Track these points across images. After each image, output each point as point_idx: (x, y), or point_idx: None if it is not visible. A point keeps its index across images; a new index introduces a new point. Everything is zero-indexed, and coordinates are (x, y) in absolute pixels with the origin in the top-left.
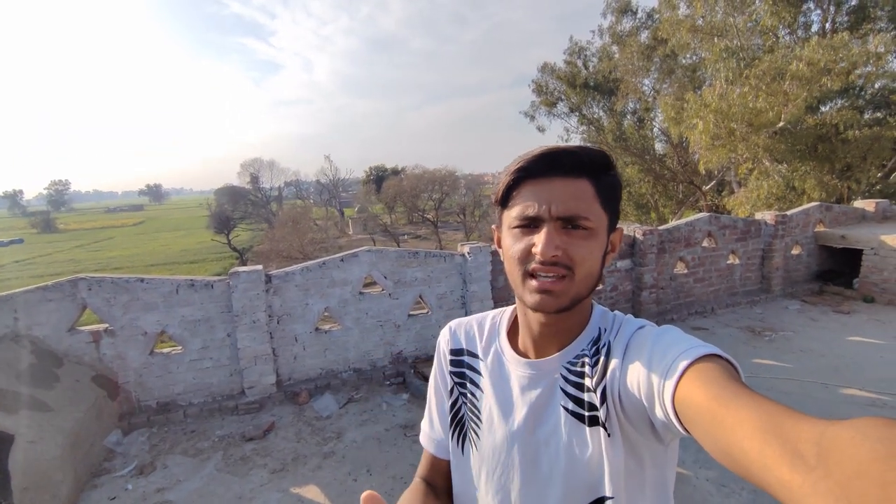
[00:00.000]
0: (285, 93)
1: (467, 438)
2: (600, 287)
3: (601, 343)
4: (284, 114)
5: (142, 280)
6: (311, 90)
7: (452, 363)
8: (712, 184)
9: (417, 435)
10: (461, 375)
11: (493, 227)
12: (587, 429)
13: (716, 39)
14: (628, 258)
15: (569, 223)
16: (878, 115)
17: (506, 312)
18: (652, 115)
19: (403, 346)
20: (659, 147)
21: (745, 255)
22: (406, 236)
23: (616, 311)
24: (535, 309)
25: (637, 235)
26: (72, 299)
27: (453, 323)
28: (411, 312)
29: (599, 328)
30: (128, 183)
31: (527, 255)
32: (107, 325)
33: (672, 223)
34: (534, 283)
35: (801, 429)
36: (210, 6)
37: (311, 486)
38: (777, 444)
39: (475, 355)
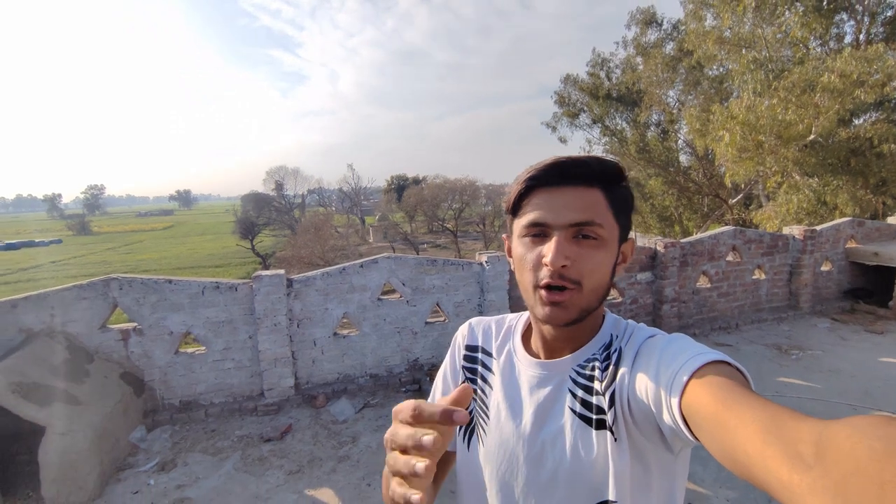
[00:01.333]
0: (311, 103)
1: (475, 434)
2: (620, 300)
3: (612, 349)
4: (309, 124)
5: (170, 281)
6: (335, 101)
7: (466, 358)
8: (739, 197)
9: None
10: (473, 371)
11: (504, 236)
12: (594, 432)
13: (743, 51)
14: (649, 270)
15: (579, 233)
16: None
17: (523, 315)
18: (676, 126)
19: (420, 354)
20: (683, 159)
21: (772, 271)
22: (426, 245)
23: (629, 320)
24: (545, 322)
25: (658, 248)
26: (104, 298)
27: (474, 320)
28: (429, 320)
29: (611, 334)
30: (159, 188)
31: (537, 265)
32: (135, 323)
33: (695, 236)
34: (544, 294)
35: (800, 429)
36: (241, 18)
37: (326, 488)
38: (777, 444)
39: (489, 353)
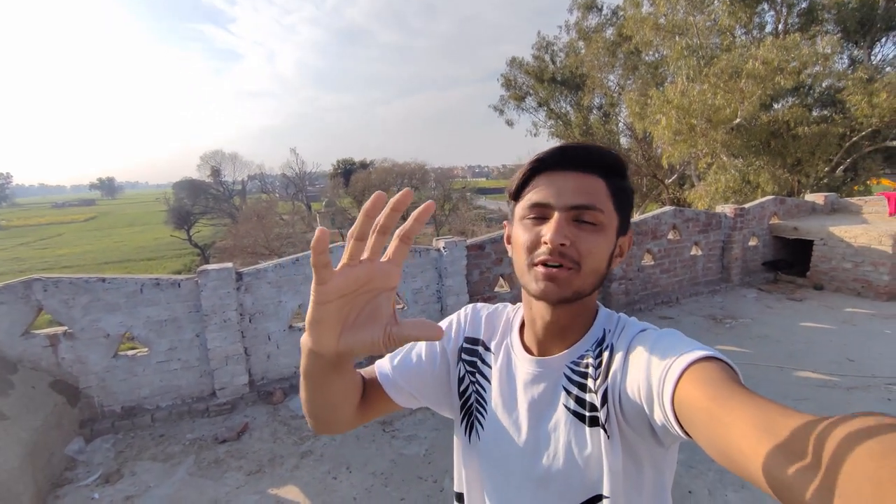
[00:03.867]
0: (247, 85)
1: (474, 428)
2: None
3: (605, 345)
4: (247, 106)
5: (103, 280)
6: (274, 82)
7: (466, 350)
8: (674, 177)
9: (396, 430)
10: (472, 364)
11: (504, 223)
12: (587, 429)
13: (677, 38)
14: None
15: (579, 216)
16: (825, 112)
17: (521, 309)
18: (617, 110)
19: None
20: (624, 141)
21: (707, 247)
22: None
23: (621, 314)
24: (539, 297)
25: None
26: (25, 301)
27: (478, 307)
28: None
29: (604, 329)
30: (78, 177)
31: (535, 245)
32: (65, 327)
33: (640, 216)
34: (540, 270)
35: (795, 426)
36: None
37: (290, 486)
38: (773, 443)
39: (488, 349)
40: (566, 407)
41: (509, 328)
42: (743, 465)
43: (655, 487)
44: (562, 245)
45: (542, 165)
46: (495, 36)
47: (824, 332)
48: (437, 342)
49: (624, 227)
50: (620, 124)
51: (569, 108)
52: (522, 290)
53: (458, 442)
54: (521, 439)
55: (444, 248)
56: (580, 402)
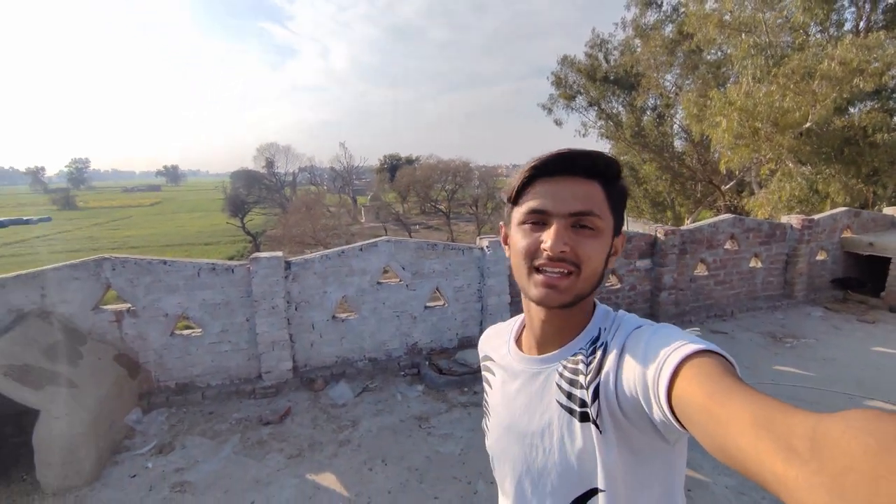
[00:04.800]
0: (302, 79)
1: (485, 430)
2: (619, 286)
3: (599, 342)
4: (301, 100)
5: (164, 262)
6: (327, 77)
7: (484, 368)
8: (731, 184)
9: (433, 427)
10: (485, 378)
11: (501, 224)
12: (578, 424)
13: (743, 35)
14: (648, 258)
15: (577, 222)
16: None
17: (520, 317)
18: (673, 111)
19: (419, 338)
20: (678, 144)
21: (769, 259)
22: (418, 226)
23: (619, 311)
24: (539, 303)
25: (658, 235)
26: (96, 278)
27: (489, 329)
28: (428, 304)
29: (600, 328)
30: (146, 163)
31: (535, 251)
32: (129, 305)
33: (695, 224)
34: (540, 277)
35: (793, 422)
36: None
37: (327, 473)
38: (770, 438)
39: (491, 358)
40: (559, 402)
41: (508, 335)
42: (741, 462)
43: (661, 484)
44: (562, 252)
45: (541, 171)
46: (544, 31)
47: None
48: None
49: (618, 227)
50: (675, 126)
51: (621, 108)
52: (522, 292)
53: None
54: (520, 435)
55: (487, 247)
56: (571, 397)
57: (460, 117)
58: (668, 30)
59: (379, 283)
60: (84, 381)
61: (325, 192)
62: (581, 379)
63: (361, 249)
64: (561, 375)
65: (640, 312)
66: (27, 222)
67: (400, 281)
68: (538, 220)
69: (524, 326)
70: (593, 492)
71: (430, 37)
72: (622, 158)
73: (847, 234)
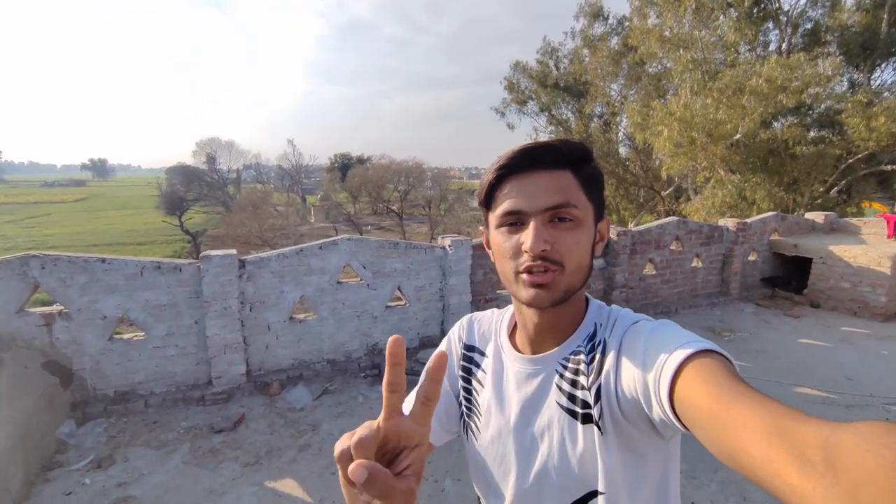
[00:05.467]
0: (246, 72)
1: (469, 430)
2: None
3: (597, 340)
4: (244, 95)
5: (103, 260)
6: (274, 70)
7: (464, 357)
8: (671, 189)
9: None
10: (468, 371)
11: (481, 228)
12: (580, 426)
13: (682, 51)
14: (601, 257)
15: (555, 216)
16: (823, 133)
17: (510, 310)
18: (618, 119)
19: (380, 338)
20: (623, 151)
21: (708, 260)
22: (370, 227)
23: (613, 305)
24: (530, 304)
25: (611, 236)
26: (21, 278)
27: (474, 316)
28: (389, 304)
29: (595, 323)
30: (69, 156)
31: (517, 253)
32: (61, 307)
33: (644, 225)
34: (526, 278)
35: (805, 432)
36: None
37: (288, 479)
38: (783, 449)
39: (482, 353)
40: (559, 404)
41: (498, 330)
42: (751, 470)
43: (659, 480)
44: (543, 250)
45: (508, 170)
46: (498, 38)
47: (821, 349)
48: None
49: (599, 212)
50: (620, 134)
51: (570, 114)
52: (511, 296)
53: (466, 446)
54: (517, 438)
55: (449, 246)
56: (572, 398)
57: (414, 119)
58: (614, 42)
59: (339, 282)
60: (7, 392)
61: (272, 190)
62: (582, 380)
63: (321, 248)
64: (561, 376)
65: None
66: None
67: (360, 280)
68: (515, 220)
69: (512, 320)
70: (592, 494)
71: (383, 34)
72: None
73: (775, 237)
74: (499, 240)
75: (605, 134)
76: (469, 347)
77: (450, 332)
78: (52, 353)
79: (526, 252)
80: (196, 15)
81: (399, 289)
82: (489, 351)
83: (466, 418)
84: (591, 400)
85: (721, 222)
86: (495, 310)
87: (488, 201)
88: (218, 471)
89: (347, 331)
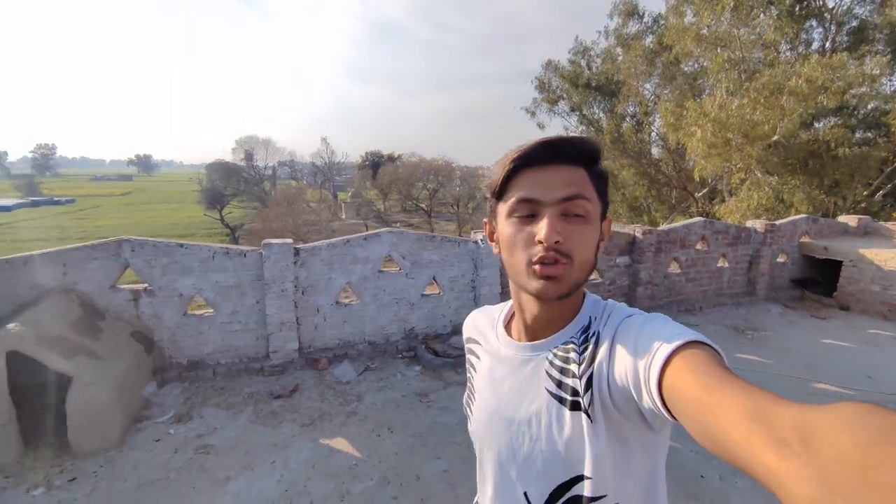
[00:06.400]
0: (282, 71)
1: (468, 414)
2: (599, 280)
3: (590, 331)
4: (281, 94)
5: (181, 245)
6: (310, 70)
7: (468, 350)
8: (704, 191)
9: (432, 402)
10: (469, 361)
11: (485, 220)
12: (568, 412)
13: (719, 50)
14: (627, 255)
15: (568, 210)
16: (868, 135)
17: (507, 303)
18: (651, 119)
19: (416, 324)
20: (655, 152)
21: (735, 260)
22: (399, 224)
23: (609, 300)
24: (538, 296)
25: (637, 234)
26: (115, 259)
27: (475, 312)
28: (425, 292)
29: (590, 316)
30: (117, 151)
31: (529, 243)
32: (146, 285)
33: (670, 225)
34: (538, 269)
35: (784, 415)
36: None
37: (339, 438)
38: (761, 431)
39: (478, 342)
40: (547, 390)
41: (496, 320)
42: (732, 453)
43: (646, 471)
44: (556, 242)
45: (526, 161)
46: (529, 36)
47: (846, 349)
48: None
49: (604, 211)
50: (653, 134)
51: (601, 114)
52: (511, 283)
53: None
54: (506, 422)
55: (481, 240)
56: (562, 386)
57: (443, 118)
58: (649, 40)
59: (380, 271)
60: (106, 354)
61: (305, 187)
62: (573, 368)
63: (365, 239)
64: (551, 363)
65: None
66: (57, 202)
67: (399, 270)
68: (527, 211)
69: (513, 313)
70: (578, 479)
71: (415, 35)
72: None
73: (805, 239)
74: (509, 230)
75: (638, 134)
76: (469, 339)
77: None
78: (137, 324)
79: (540, 242)
80: (236, 17)
81: (434, 278)
82: (484, 340)
83: (465, 404)
84: (580, 388)
85: (749, 223)
86: (497, 304)
87: (500, 192)
88: (279, 429)
89: (387, 315)
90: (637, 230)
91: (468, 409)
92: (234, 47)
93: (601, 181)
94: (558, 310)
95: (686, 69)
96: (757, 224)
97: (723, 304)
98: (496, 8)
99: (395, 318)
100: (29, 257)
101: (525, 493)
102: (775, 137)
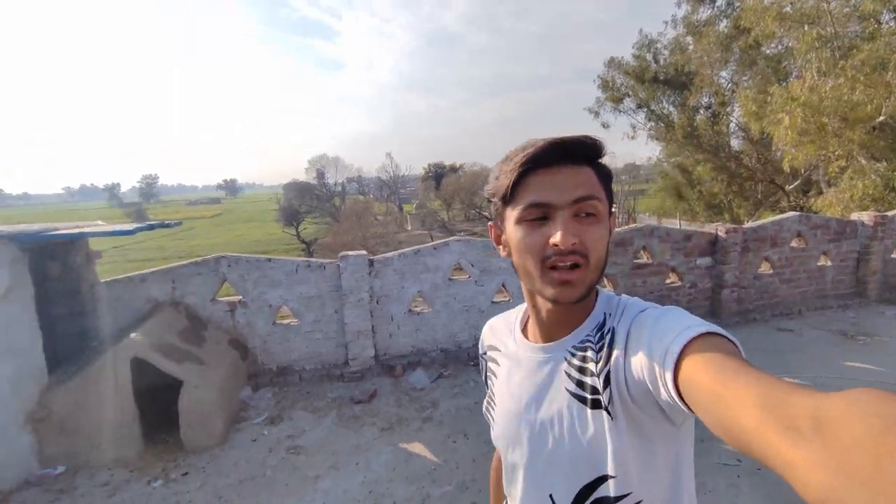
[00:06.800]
0: (348, 91)
1: (490, 421)
2: (679, 283)
3: (606, 328)
4: (347, 112)
5: (269, 260)
6: (371, 88)
7: (484, 357)
8: (796, 183)
9: None
10: (488, 368)
11: (490, 224)
12: (589, 411)
13: (806, 27)
14: (709, 255)
15: (581, 210)
16: None
17: (522, 307)
18: (728, 109)
19: None
20: (735, 144)
21: (839, 257)
22: (463, 233)
23: (622, 295)
24: (556, 301)
25: (720, 233)
26: (215, 273)
27: (491, 320)
28: (494, 299)
29: (604, 313)
30: (207, 177)
31: (543, 247)
32: (240, 297)
33: (757, 222)
34: (554, 275)
35: (797, 403)
36: (281, 9)
37: (416, 443)
38: (774, 419)
39: (496, 348)
40: (568, 390)
41: (512, 325)
42: (746, 443)
43: (670, 465)
44: (573, 244)
45: (534, 164)
46: (586, 34)
47: None
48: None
49: (610, 207)
50: (732, 125)
51: (672, 108)
52: (523, 285)
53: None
54: (528, 425)
55: None
56: (581, 385)
57: (501, 123)
58: (723, 25)
59: (450, 279)
60: (209, 360)
61: (372, 201)
62: (591, 366)
63: (434, 248)
64: (570, 363)
65: (700, 310)
66: (167, 225)
67: (469, 277)
68: (539, 214)
69: (528, 316)
70: (602, 479)
71: (469, 43)
72: (673, 160)
73: None
74: (519, 235)
75: (714, 126)
76: (490, 348)
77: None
78: (234, 333)
79: (555, 246)
80: (303, 45)
81: (503, 285)
82: (503, 345)
83: (486, 412)
84: (599, 386)
85: (854, 216)
86: (513, 310)
87: (509, 195)
88: (361, 432)
89: (458, 323)
90: (720, 229)
91: (489, 416)
92: (306, 73)
93: (607, 179)
94: (573, 309)
95: (768, 52)
96: (864, 216)
97: (826, 307)
98: (550, 8)
99: (466, 326)
100: (145, 275)
101: (551, 496)
102: (881, 118)
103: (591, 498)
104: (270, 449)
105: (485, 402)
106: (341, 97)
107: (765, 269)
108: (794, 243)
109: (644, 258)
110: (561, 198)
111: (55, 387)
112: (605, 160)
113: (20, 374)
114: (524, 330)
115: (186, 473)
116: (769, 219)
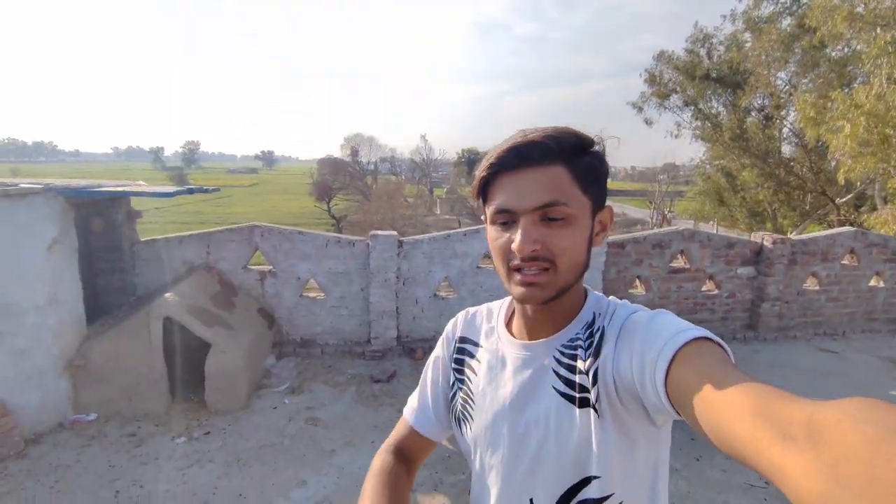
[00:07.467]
0: (389, 70)
1: (463, 420)
2: (716, 292)
3: (595, 328)
4: (387, 90)
5: (300, 233)
6: (413, 70)
7: (458, 350)
8: (849, 197)
9: None
10: (460, 363)
11: (482, 217)
12: (577, 410)
13: (879, 30)
14: (752, 265)
15: (545, 215)
16: None
17: (507, 300)
18: (783, 113)
19: None
20: (787, 150)
21: (893, 279)
22: None
23: (612, 297)
24: (522, 301)
25: (766, 243)
26: (248, 242)
27: (470, 309)
28: None
29: (594, 313)
30: (245, 147)
31: (508, 251)
32: (271, 267)
33: (808, 234)
34: (518, 276)
35: (790, 411)
36: None
37: None
38: (767, 426)
39: (475, 343)
40: (555, 389)
41: (496, 318)
42: (738, 449)
43: (650, 466)
44: (533, 251)
45: (500, 167)
46: (634, 27)
47: None
48: (439, 357)
49: (599, 203)
50: (785, 130)
51: (721, 108)
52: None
53: (458, 439)
54: (511, 424)
55: None
56: (570, 383)
57: (543, 115)
58: (786, 23)
59: (478, 267)
60: (238, 326)
61: (404, 182)
62: (580, 364)
63: (465, 234)
64: (559, 362)
65: (738, 322)
66: (206, 191)
67: None
68: (506, 218)
69: (513, 310)
70: (586, 481)
71: (515, 33)
72: (717, 163)
73: None
74: (492, 235)
75: (765, 130)
76: (462, 339)
77: (444, 331)
78: (262, 301)
79: (515, 252)
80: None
81: None
82: (484, 339)
83: (460, 409)
84: (588, 384)
85: None
86: (495, 301)
87: (483, 196)
88: (379, 411)
89: None
90: (766, 238)
91: (464, 416)
92: (345, 52)
93: (588, 174)
94: (554, 310)
95: (833, 54)
96: None
97: (875, 331)
98: (597, 0)
99: None
100: (183, 237)
101: (531, 500)
102: None
103: (575, 500)
104: (290, 418)
105: (455, 403)
106: (377, 74)
107: (810, 284)
108: (845, 260)
109: (682, 262)
110: (521, 204)
111: (93, 337)
112: (627, 155)
113: (62, 324)
114: (508, 325)
115: (209, 433)
116: (821, 232)
